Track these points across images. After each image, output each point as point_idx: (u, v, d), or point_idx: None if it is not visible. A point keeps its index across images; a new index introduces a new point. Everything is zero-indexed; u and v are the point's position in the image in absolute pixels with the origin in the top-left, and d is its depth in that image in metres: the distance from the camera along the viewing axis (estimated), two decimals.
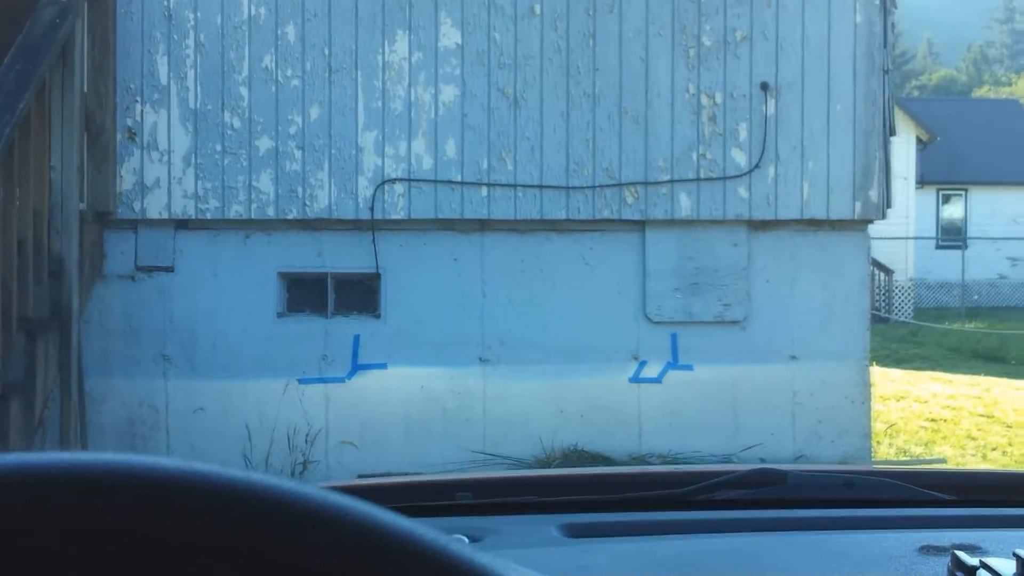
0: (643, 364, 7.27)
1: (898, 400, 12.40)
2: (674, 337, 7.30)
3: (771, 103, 7.26)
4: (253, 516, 0.62)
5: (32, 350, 5.54)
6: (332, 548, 0.63)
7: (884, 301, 25.34)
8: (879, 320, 22.52)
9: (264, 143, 7.02)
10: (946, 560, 1.34)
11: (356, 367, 7.13)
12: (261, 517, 0.63)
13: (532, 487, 1.92)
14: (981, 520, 1.67)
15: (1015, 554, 1.27)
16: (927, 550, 1.43)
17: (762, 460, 7.19)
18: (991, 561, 1.28)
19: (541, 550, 1.47)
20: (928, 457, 9.06)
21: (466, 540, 1.51)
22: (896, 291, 26.18)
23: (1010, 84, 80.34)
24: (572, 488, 1.90)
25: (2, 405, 5.18)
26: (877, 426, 9.61)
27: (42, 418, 5.72)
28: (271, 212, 7.04)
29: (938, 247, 30.29)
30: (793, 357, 7.34)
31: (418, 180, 7.09)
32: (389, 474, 6.91)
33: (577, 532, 1.58)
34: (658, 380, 7.28)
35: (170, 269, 7.04)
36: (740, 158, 7.24)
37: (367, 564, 0.63)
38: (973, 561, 1.29)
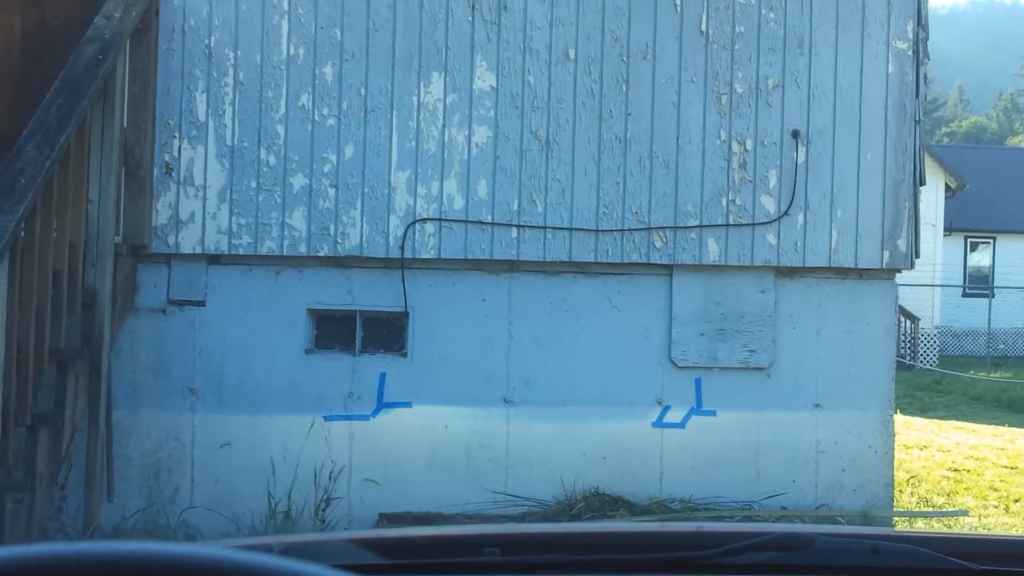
0: (667, 409, 7.28)
1: (921, 449, 12.35)
2: (698, 382, 7.30)
3: (802, 151, 7.29)
4: None
5: (63, 381, 5.60)
6: None
7: (909, 348, 25.23)
8: (904, 368, 22.42)
9: (298, 180, 7.09)
10: None
11: (381, 405, 7.16)
12: None
13: (558, 544, 1.95)
14: None
15: None
16: None
17: (783, 508, 7.17)
18: None
19: None
20: (950, 508, 9.01)
21: None
22: (922, 338, 26.07)
23: None
24: (597, 548, 1.92)
25: (31, 436, 5.24)
26: (900, 475, 9.58)
27: (68, 450, 5.77)
28: (303, 249, 7.10)
29: (965, 295, 30.17)
30: (817, 405, 7.33)
31: (449, 220, 7.15)
32: (410, 513, 6.92)
33: None
34: (681, 425, 7.28)
35: (201, 303, 7.10)
36: (769, 205, 7.26)
37: None
38: None
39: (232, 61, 7.09)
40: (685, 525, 4.09)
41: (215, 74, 7.08)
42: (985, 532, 8.00)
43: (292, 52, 7.12)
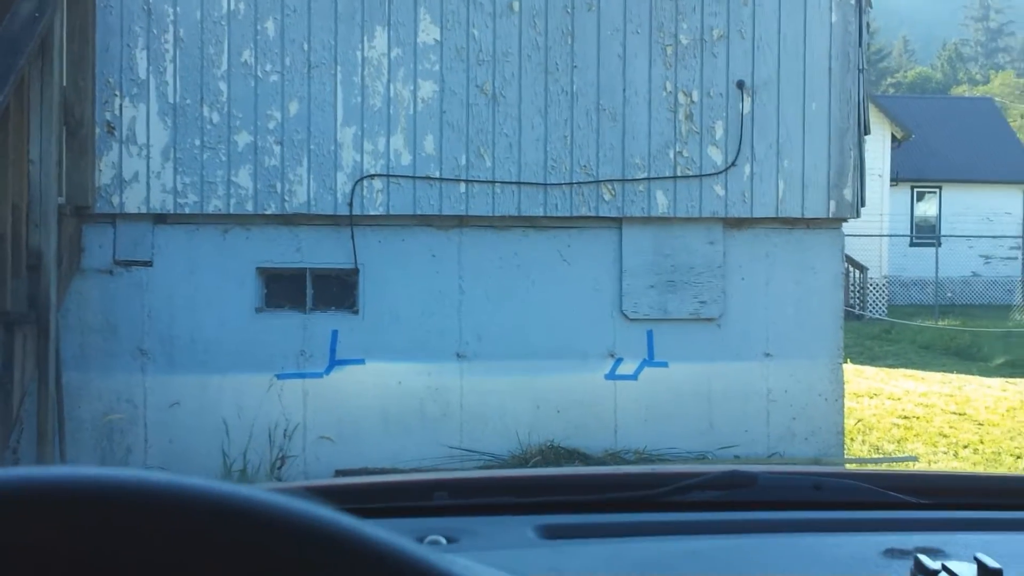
0: (619, 361, 7.32)
1: (871, 397, 12.49)
2: (650, 334, 7.35)
3: (747, 101, 7.31)
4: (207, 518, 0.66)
5: (10, 344, 5.54)
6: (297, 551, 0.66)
7: (858, 298, 25.47)
8: (853, 317, 22.65)
9: (243, 138, 7.03)
10: (909, 563, 1.38)
11: (334, 362, 7.15)
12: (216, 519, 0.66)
13: (508, 488, 1.95)
14: (945, 523, 1.70)
15: (976, 558, 1.31)
16: (891, 553, 1.47)
17: (736, 457, 7.25)
18: (952, 565, 1.32)
19: (516, 552, 1.51)
20: (900, 455, 9.14)
21: (443, 541, 1.54)
22: (870, 288, 26.32)
23: (986, 82, 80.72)
24: (548, 489, 1.94)
25: None
26: (850, 423, 9.69)
27: (19, 413, 5.72)
28: (250, 207, 7.05)
29: (912, 244, 30.46)
30: (767, 355, 7.40)
31: (397, 176, 7.12)
32: (367, 469, 6.93)
33: (552, 534, 1.61)
34: (634, 377, 7.33)
35: (148, 263, 7.04)
36: (716, 156, 7.29)
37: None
38: (935, 565, 1.32)
39: (172, 17, 7.00)
40: (633, 468, 4.13)
41: (155, 31, 6.99)
42: (926, 469, 8.12)
43: (233, 7, 7.04)
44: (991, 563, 1.29)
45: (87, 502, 0.64)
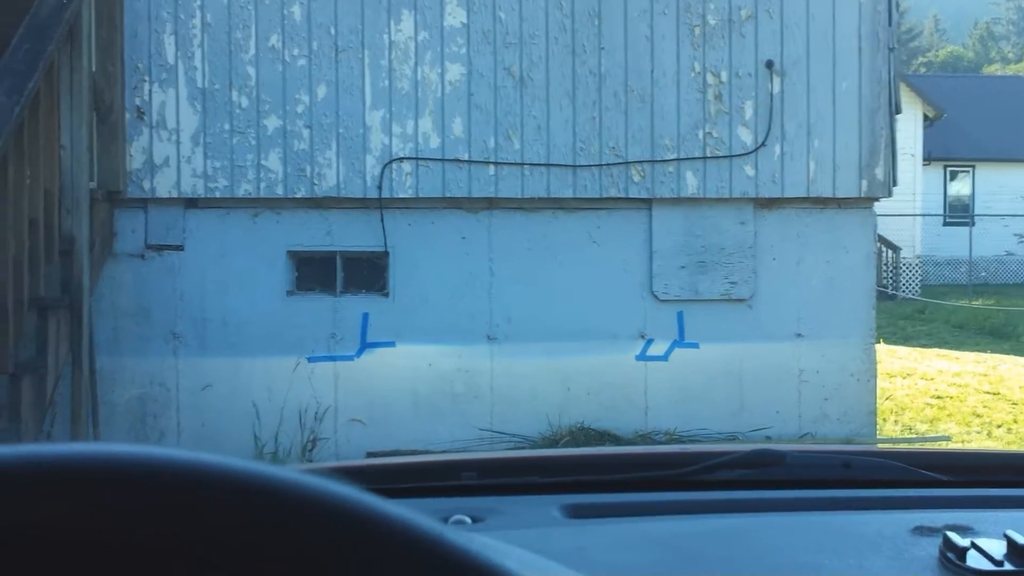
0: (649, 342, 7.31)
1: (904, 377, 12.43)
2: (680, 315, 7.33)
3: (776, 81, 7.27)
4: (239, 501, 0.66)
5: (43, 329, 5.58)
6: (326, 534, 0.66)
7: (891, 278, 25.33)
8: (886, 297, 22.53)
9: (272, 122, 7.05)
10: (938, 541, 1.37)
11: (365, 345, 7.17)
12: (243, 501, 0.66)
13: (534, 468, 1.95)
14: (975, 501, 1.69)
15: (1006, 535, 1.30)
16: (920, 531, 1.46)
17: (768, 439, 7.23)
18: (982, 542, 1.31)
19: (541, 530, 1.50)
20: (932, 435, 9.09)
21: (468, 520, 1.54)
22: (903, 268, 26.17)
23: (1017, 61, 79.93)
24: (574, 468, 1.93)
25: (14, 383, 5.22)
26: (883, 403, 9.64)
27: (53, 397, 5.76)
28: (280, 191, 7.07)
29: (945, 224, 30.24)
30: (799, 335, 7.37)
31: (425, 159, 7.12)
32: (397, 452, 6.96)
33: (578, 513, 1.61)
34: (664, 358, 7.31)
35: (180, 248, 7.08)
36: (746, 136, 7.25)
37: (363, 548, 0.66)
38: (964, 542, 1.32)
39: (199, 2, 7.02)
40: (659, 448, 4.12)
41: (182, 16, 7.01)
42: (958, 447, 8.07)
43: None
44: (1021, 540, 1.28)
45: (105, 480, 0.64)
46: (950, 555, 1.32)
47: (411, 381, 7.18)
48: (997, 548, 1.30)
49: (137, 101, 6.98)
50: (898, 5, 7.61)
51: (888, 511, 1.61)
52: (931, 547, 1.38)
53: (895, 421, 9.69)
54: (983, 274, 29.29)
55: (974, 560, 1.29)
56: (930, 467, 1.84)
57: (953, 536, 1.34)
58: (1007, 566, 1.27)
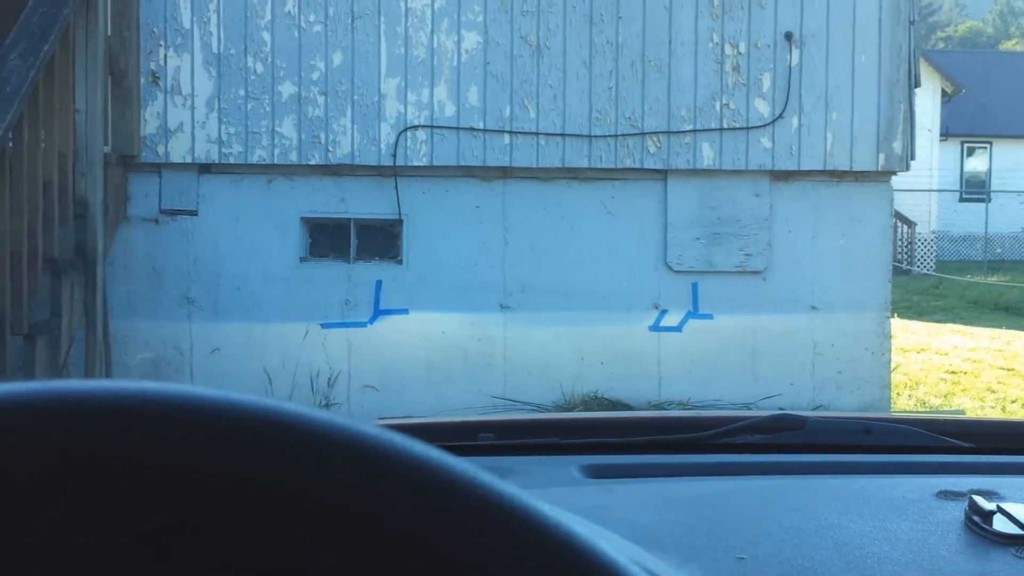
0: (663, 313, 7.29)
1: (919, 352, 12.40)
2: (695, 286, 7.31)
3: (795, 53, 7.21)
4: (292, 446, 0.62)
5: (58, 291, 5.59)
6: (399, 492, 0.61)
7: (906, 253, 25.26)
8: (901, 272, 22.46)
9: (287, 88, 7.02)
10: (963, 505, 1.36)
11: (378, 312, 7.17)
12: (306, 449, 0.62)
13: (554, 429, 1.94)
14: (998, 467, 1.68)
15: None
16: (944, 495, 1.45)
17: (781, 409, 7.21)
18: (1008, 506, 1.30)
19: (562, 489, 1.49)
20: (947, 409, 9.07)
21: None
22: (918, 243, 26.09)
23: None
24: (592, 431, 1.92)
25: (28, 344, 5.24)
26: (897, 378, 9.62)
27: (67, 359, 5.78)
28: (294, 157, 7.05)
29: (961, 200, 30.12)
30: (813, 308, 7.34)
31: (440, 127, 7.09)
32: (410, 418, 6.96)
33: (597, 473, 1.60)
34: (678, 329, 7.30)
35: (194, 212, 7.07)
36: (763, 108, 7.21)
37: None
38: (990, 506, 1.30)
39: None
40: (680, 412, 4.11)
41: None
42: (978, 416, 8.05)
43: None
44: None
45: (116, 413, 0.61)
46: (976, 519, 1.30)
47: (424, 349, 7.18)
48: (1023, 513, 1.28)
49: (152, 66, 6.96)
50: None
51: (911, 475, 1.60)
52: (956, 511, 1.36)
53: (909, 395, 9.67)
54: (999, 250, 29.20)
55: (1000, 524, 1.28)
56: (951, 434, 1.82)
57: (979, 500, 1.32)
58: None
